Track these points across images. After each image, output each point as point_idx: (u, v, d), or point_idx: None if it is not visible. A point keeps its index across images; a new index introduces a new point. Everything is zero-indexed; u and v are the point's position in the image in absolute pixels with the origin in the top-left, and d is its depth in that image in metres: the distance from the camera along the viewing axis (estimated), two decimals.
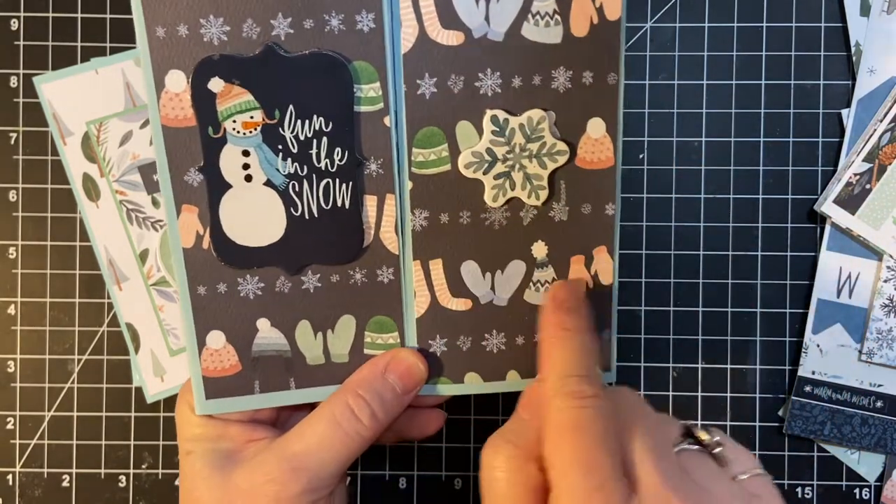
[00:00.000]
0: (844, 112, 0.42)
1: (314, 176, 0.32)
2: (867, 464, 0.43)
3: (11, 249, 0.43)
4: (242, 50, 0.31)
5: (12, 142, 0.43)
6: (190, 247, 0.33)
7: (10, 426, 0.43)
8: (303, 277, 0.33)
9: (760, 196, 0.43)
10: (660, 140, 0.43)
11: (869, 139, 0.41)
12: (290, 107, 0.32)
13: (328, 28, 0.31)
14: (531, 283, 0.34)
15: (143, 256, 0.41)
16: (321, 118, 0.32)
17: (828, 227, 0.42)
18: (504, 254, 0.34)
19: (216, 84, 0.31)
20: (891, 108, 0.41)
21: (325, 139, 0.32)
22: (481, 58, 0.32)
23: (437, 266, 0.34)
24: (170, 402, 0.43)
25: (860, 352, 0.42)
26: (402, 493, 0.43)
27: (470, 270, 0.34)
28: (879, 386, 0.42)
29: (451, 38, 0.32)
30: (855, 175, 0.41)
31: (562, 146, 0.33)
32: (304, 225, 0.33)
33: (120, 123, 0.41)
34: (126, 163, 0.41)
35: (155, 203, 0.41)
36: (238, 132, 0.32)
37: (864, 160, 0.41)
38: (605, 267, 0.35)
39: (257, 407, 0.34)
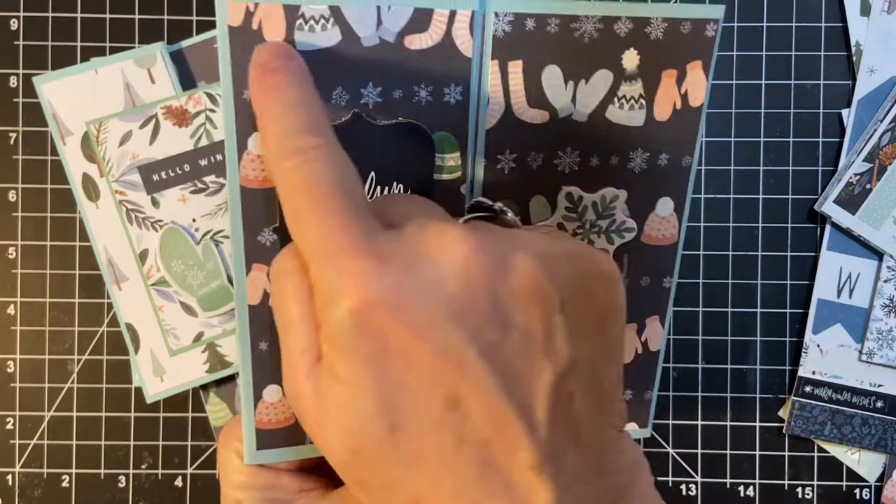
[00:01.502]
0: (844, 112, 0.42)
1: None
2: (867, 464, 0.43)
3: (11, 249, 0.43)
4: (330, 116, 0.30)
5: (12, 142, 0.43)
6: (256, 304, 0.32)
7: (9, 426, 0.43)
8: None
9: (760, 196, 0.43)
10: None
11: (869, 139, 0.41)
12: (372, 173, 0.32)
13: (416, 99, 0.31)
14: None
15: (142, 256, 0.41)
16: (401, 185, 0.32)
17: (828, 227, 0.42)
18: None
19: None
20: (891, 108, 0.41)
21: None
22: (562, 136, 0.32)
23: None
24: (170, 403, 0.43)
25: (860, 352, 0.42)
26: None
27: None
28: (880, 386, 0.42)
29: (537, 116, 0.32)
30: (855, 175, 0.41)
31: (630, 223, 0.33)
32: None
33: (120, 123, 0.41)
34: (126, 163, 0.41)
35: (155, 203, 0.41)
36: None
37: (864, 160, 0.41)
38: (656, 335, 0.35)
39: (307, 456, 0.34)
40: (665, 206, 0.34)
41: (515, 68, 0.32)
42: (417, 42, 0.31)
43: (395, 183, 0.32)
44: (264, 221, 0.32)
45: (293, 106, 0.26)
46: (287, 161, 0.24)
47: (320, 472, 0.35)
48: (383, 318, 0.21)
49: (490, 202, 0.28)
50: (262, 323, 0.32)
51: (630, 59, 0.32)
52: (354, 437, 0.22)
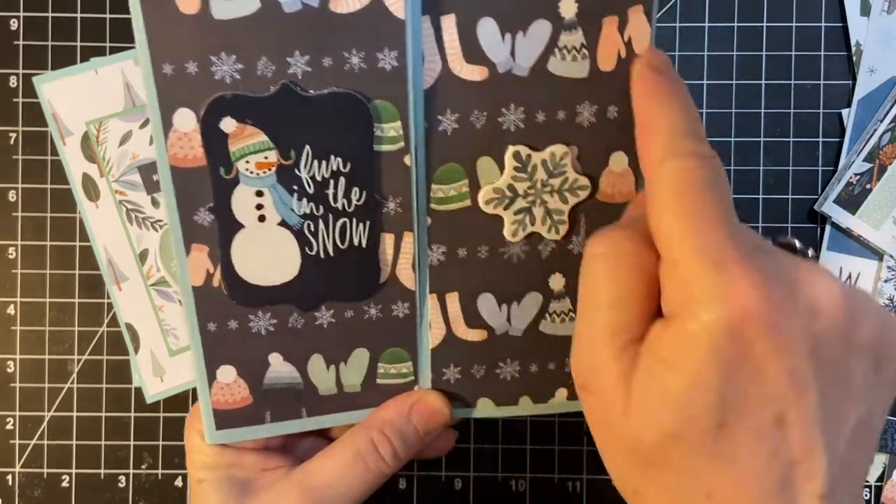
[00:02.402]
0: (844, 112, 0.42)
1: (330, 216, 0.31)
2: None
3: (11, 249, 0.43)
4: (256, 89, 0.29)
5: (12, 142, 0.43)
6: (200, 285, 0.32)
7: (9, 426, 0.43)
8: (316, 313, 0.33)
9: (760, 196, 0.43)
10: None
11: (869, 139, 0.41)
12: (307, 147, 0.30)
13: (348, 66, 0.30)
14: (547, 314, 0.34)
15: (142, 256, 0.41)
16: (339, 158, 0.31)
17: (828, 228, 0.42)
18: (521, 286, 0.33)
19: (228, 124, 0.30)
20: (891, 108, 0.41)
21: (342, 179, 0.31)
22: (505, 93, 0.31)
23: (453, 299, 0.33)
24: (170, 403, 0.43)
25: None
26: (402, 493, 0.43)
27: (486, 302, 0.33)
28: None
29: (475, 73, 0.31)
30: (855, 175, 0.41)
31: (584, 181, 0.32)
32: (318, 264, 0.32)
33: (120, 123, 0.41)
34: (126, 163, 0.41)
35: (155, 203, 0.41)
36: (251, 173, 0.30)
37: (864, 160, 0.41)
38: None
39: (268, 435, 0.34)
40: (619, 161, 0.32)
41: (449, 23, 0.30)
42: (344, 5, 0.29)
43: (332, 156, 0.30)
44: (198, 200, 0.31)
45: (689, 111, 0.27)
46: (680, 161, 0.25)
47: (284, 452, 0.35)
48: (758, 329, 0.23)
49: (794, 242, 0.28)
50: (208, 304, 0.32)
51: (567, 7, 0.30)
52: (681, 423, 0.23)
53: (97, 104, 0.41)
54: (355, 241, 0.32)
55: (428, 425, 0.33)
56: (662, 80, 0.28)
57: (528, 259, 0.33)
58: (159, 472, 0.43)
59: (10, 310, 0.43)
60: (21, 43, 0.43)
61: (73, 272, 0.43)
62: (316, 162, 0.31)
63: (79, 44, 0.43)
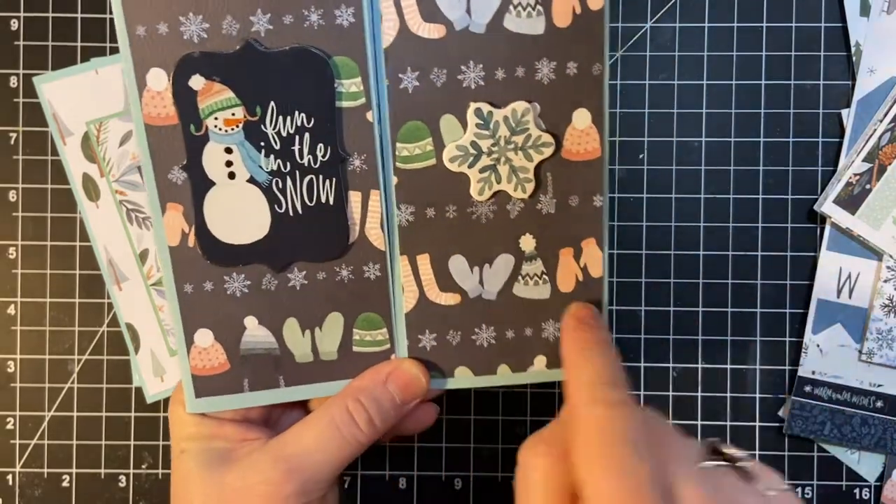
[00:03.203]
0: (844, 112, 0.42)
1: (297, 172, 0.32)
2: (867, 464, 0.43)
3: (11, 249, 0.43)
4: (222, 47, 0.31)
5: (12, 142, 0.43)
6: (176, 245, 0.33)
7: (10, 426, 0.43)
8: (289, 275, 0.33)
9: (760, 196, 0.43)
10: (660, 140, 0.43)
11: (869, 139, 0.41)
12: (272, 103, 0.31)
13: (307, 23, 0.31)
14: (520, 277, 0.34)
15: (142, 256, 0.41)
16: (303, 114, 0.32)
17: (828, 227, 0.42)
18: (492, 247, 0.34)
19: (197, 81, 0.31)
20: (891, 108, 0.41)
21: (307, 135, 0.32)
22: (464, 50, 0.32)
23: (424, 261, 0.34)
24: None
25: (860, 352, 0.42)
26: (402, 493, 0.43)
27: (457, 264, 0.34)
28: (879, 386, 0.42)
29: (433, 31, 0.32)
30: (855, 175, 0.41)
31: (547, 138, 0.33)
32: (288, 222, 0.33)
33: (120, 123, 0.41)
34: (126, 163, 0.41)
35: None
36: (220, 129, 0.32)
37: (864, 160, 0.41)
38: (595, 259, 0.34)
39: (247, 405, 0.34)
40: (582, 117, 0.33)
41: None
42: None
43: (296, 112, 0.32)
44: (172, 159, 0.32)
45: (606, 363, 0.29)
46: (591, 408, 0.28)
47: (267, 425, 0.36)
48: None
49: (727, 451, 0.29)
50: (185, 264, 0.33)
51: None
52: None
53: (97, 104, 0.41)
54: (322, 199, 0.33)
55: (405, 394, 0.34)
56: (586, 335, 0.31)
57: (497, 219, 0.33)
58: (159, 471, 0.43)
59: (11, 310, 0.43)
60: (21, 43, 0.43)
61: (74, 272, 0.43)
62: (281, 118, 0.32)
63: (79, 44, 0.43)
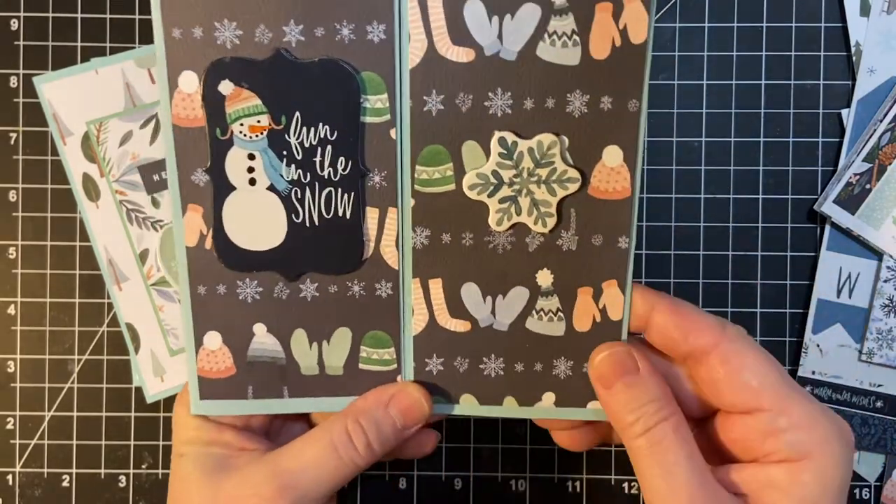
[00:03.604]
0: (844, 112, 0.42)
1: (317, 184, 0.32)
2: (867, 464, 0.43)
3: (11, 249, 0.43)
4: (253, 54, 0.31)
5: (12, 142, 0.43)
6: (193, 246, 0.33)
7: (10, 426, 0.43)
8: (301, 285, 0.33)
9: (760, 196, 0.43)
10: (660, 140, 0.43)
11: (869, 139, 0.41)
12: (297, 113, 0.32)
13: (339, 37, 0.31)
14: (534, 311, 0.33)
15: (143, 256, 0.41)
16: (326, 126, 0.32)
17: (828, 227, 0.42)
18: (507, 279, 0.33)
19: (226, 87, 0.31)
20: (891, 108, 0.41)
21: (329, 148, 0.32)
22: (492, 77, 0.31)
23: (436, 285, 0.33)
24: (170, 402, 0.43)
25: (860, 352, 0.42)
26: (402, 493, 0.43)
27: (470, 292, 0.33)
28: (879, 386, 0.42)
29: (462, 54, 0.31)
30: (855, 175, 0.41)
31: (573, 173, 0.31)
32: (304, 232, 0.33)
33: (120, 123, 0.41)
34: (126, 163, 0.41)
35: (155, 203, 0.41)
36: (245, 135, 0.32)
37: (864, 160, 0.41)
38: (615, 301, 0.33)
39: (250, 412, 0.34)
40: (613, 155, 0.31)
41: (435, 3, 0.31)
42: None
43: (321, 124, 0.32)
44: (197, 161, 0.32)
45: (643, 398, 0.31)
46: (639, 440, 0.30)
47: (268, 436, 0.36)
48: None
49: None
50: (200, 266, 0.33)
51: None
52: None
53: (97, 104, 0.41)
54: (340, 212, 0.33)
55: (406, 418, 0.33)
56: (603, 394, 0.32)
57: (515, 251, 0.33)
58: (159, 471, 0.43)
59: (11, 310, 0.43)
60: (21, 43, 0.43)
61: (74, 272, 0.43)
62: (305, 128, 0.32)
63: (79, 44, 0.43)
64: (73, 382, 0.43)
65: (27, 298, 0.43)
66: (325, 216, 0.33)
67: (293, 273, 0.33)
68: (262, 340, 0.34)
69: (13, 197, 0.43)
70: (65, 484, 0.43)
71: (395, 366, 0.34)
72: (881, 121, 0.41)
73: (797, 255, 0.43)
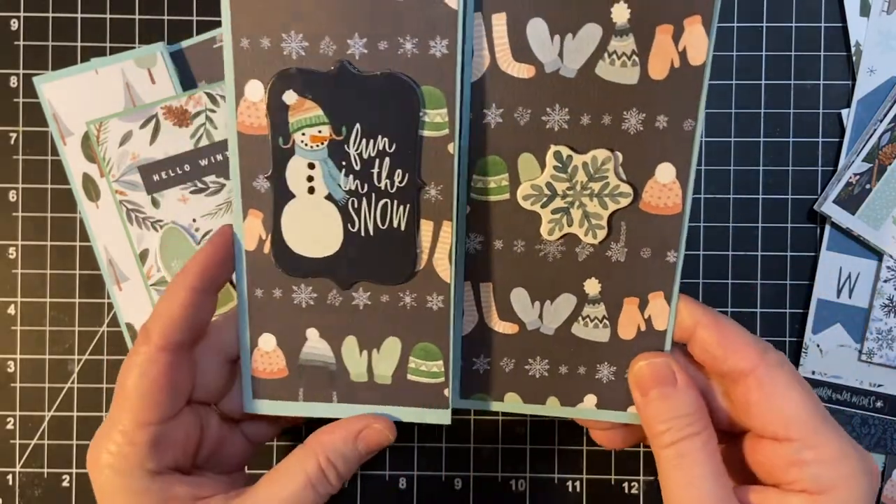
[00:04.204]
0: (844, 112, 0.42)
1: (374, 195, 0.33)
2: None
3: (11, 249, 0.43)
4: (318, 65, 0.32)
5: (12, 142, 0.43)
6: (252, 250, 0.33)
7: (10, 426, 0.43)
8: (354, 293, 0.34)
9: (760, 196, 0.43)
10: None
11: (869, 139, 0.41)
12: (357, 125, 0.32)
13: (401, 51, 0.31)
14: (580, 317, 0.34)
15: (142, 256, 0.41)
16: (385, 139, 0.32)
17: (828, 227, 0.42)
18: (555, 285, 0.34)
19: (290, 97, 0.32)
20: (891, 108, 0.41)
21: (387, 160, 0.32)
22: (551, 93, 0.32)
23: (487, 289, 0.34)
24: None
25: (860, 352, 0.42)
26: (402, 493, 0.43)
27: (519, 297, 0.34)
28: (879, 386, 0.42)
29: (523, 70, 0.32)
30: (855, 175, 0.41)
31: (625, 188, 0.32)
32: (359, 241, 0.33)
33: (120, 123, 0.41)
34: (126, 163, 0.41)
35: (155, 203, 0.41)
36: (306, 145, 0.32)
37: (864, 160, 0.41)
38: (660, 312, 0.34)
39: (300, 414, 0.35)
40: (666, 172, 0.32)
41: (499, 20, 0.31)
42: None
43: (380, 136, 0.32)
44: (259, 168, 0.33)
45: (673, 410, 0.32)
46: (667, 450, 0.31)
47: (214, 472, 0.35)
48: None
49: None
50: (259, 269, 0.33)
51: (620, 13, 0.31)
52: None
53: (97, 104, 0.41)
54: (395, 223, 0.33)
55: (370, 448, 0.34)
56: (642, 403, 0.33)
57: (565, 259, 0.33)
58: None
59: (11, 310, 0.43)
60: (21, 43, 0.43)
61: (74, 272, 0.43)
62: (364, 140, 0.32)
63: (79, 44, 0.43)
64: (73, 382, 0.43)
65: (27, 298, 0.43)
66: (381, 227, 0.33)
67: (347, 281, 0.34)
68: (315, 345, 0.34)
69: (13, 197, 0.43)
70: (65, 484, 0.43)
71: (442, 378, 0.34)
72: (881, 121, 0.41)
73: (797, 255, 0.43)
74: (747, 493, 0.31)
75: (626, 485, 0.43)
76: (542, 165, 0.32)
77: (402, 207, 0.33)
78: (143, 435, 0.31)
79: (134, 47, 0.42)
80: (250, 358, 0.34)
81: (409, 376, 0.34)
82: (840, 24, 0.42)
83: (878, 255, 0.42)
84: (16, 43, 0.43)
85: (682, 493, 0.30)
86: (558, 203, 0.33)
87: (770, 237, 0.43)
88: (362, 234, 0.33)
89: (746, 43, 0.43)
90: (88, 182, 0.41)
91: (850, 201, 0.42)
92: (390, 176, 0.33)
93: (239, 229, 0.33)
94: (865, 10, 0.42)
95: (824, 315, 0.42)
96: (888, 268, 0.42)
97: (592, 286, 0.34)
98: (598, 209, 0.33)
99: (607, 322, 0.34)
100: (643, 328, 0.34)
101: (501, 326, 0.34)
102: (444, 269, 0.33)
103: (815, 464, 0.29)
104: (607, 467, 0.43)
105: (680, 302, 0.33)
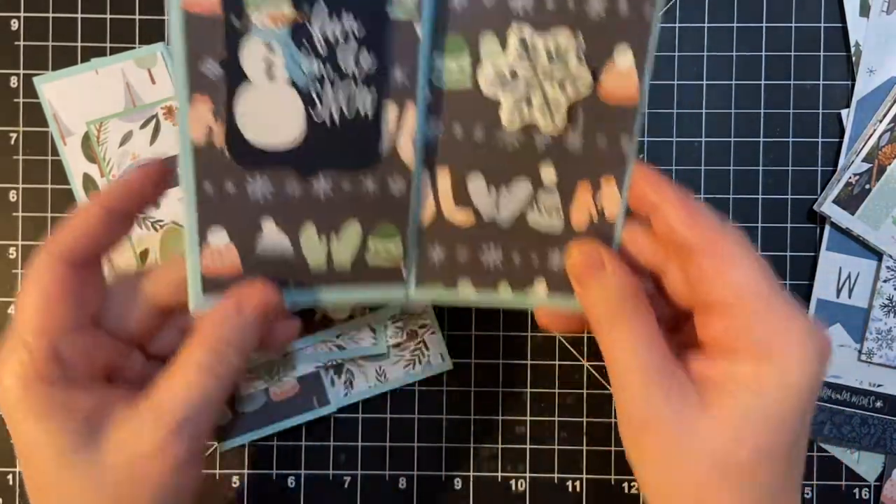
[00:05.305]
0: (844, 112, 0.42)
1: (338, 79, 0.31)
2: (867, 464, 0.43)
3: (11, 249, 0.43)
4: None
5: (12, 142, 0.43)
6: (200, 142, 0.31)
7: None
8: (314, 182, 0.32)
9: (760, 196, 0.43)
10: (660, 140, 0.43)
11: (869, 139, 0.41)
12: (322, 2, 0.30)
13: None
14: (534, 206, 0.34)
15: (143, 256, 0.41)
16: (353, 19, 0.30)
17: (828, 227, 0.42)
18: (512, 171, 0.34)
19: None
20: (891, 108, 0.41)
21: (353, 42, 0.31)
22: None
23: (444, 175, 0.34)
24: None
25: (860, 352, 0.42)
26: (403, 492, 0.43)
27: (476, 183, 0.34)
28: (879, 386, 0.42)
29: None
30: (855, 175, 0.42)
31: (585, 74, 0.32)
32: (322, 128, 0.32)
33: (120, 123, 0.41)
34: (126, 163, 0.41)
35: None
36: (264, 25, 0.30)
37: (863, 160, 0.41)
38: (612, 200, 0.34)
39: None
40: (624, 57, 0.32)
41: None
42: None
43: (346, 16, 0.30)
44: (209, 52, 0.30)
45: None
46: (604, 334, 0.31)
47: (112, 382, 0.33)
48: None
49: None
50: (207, 161, 0.31)
51: None
52: None
53: (97, 104, 0.41)
54: (360, 109, 0.32)
55: (256, 309, 0.32)
56: (589, 279, 0.33)
57: (523, 147, 0.33)
58: None
59: (11, 309, 0.43)
60: (21, 43, 0.43)
61: None
62: (329, 20, 0.30)
63: (79, 44, 0.43)
64: None
65: None
66: (345, 112, 0.32)
67: (308, 170, 0.32)
68: (272, 238, 0.33)
69: (13, 197, 0.43)
70: None
71: (400, 257, 0.34)
72: (881, 121, 0.41)
73: (797, 255, 0.43)
74: (691, 362, 0.30)
75: (626, 485, 0.43)
76: (505, 46, 0.32)
77: (367, 92, 0.31)
78: (39, 342, 0.30)
79: (134, 47, 0.42)
80: (199, 255, 0.32)
81: (368, 260, 0.34)
82: (840, 25, 0.43)
83: (877, 255, 0.42)
84: (16, 43, 0.43)
85: (620, 367, 0.30)
86: (520, 89, 0.33)
87: (770, 237, 0.43)
88: (326, 121, 0.31)
89: (746, 43, 0.43)
90: (89, 182, 0.41)
91: (850, 201, 0.42)
92: (357, 60, 0.31)
93: (183, 117, 0.30)
94: (865, 10, 0.42)
95: (824, 315, 0.42)
96: (888, 268, 0.42)
97: (548, 174, 0.34)
98: (559, 95, 0.33)
99: (561, 212, 0.34)
100: (595, 220, 0.34)
101: (457, 215, 0.34)
102: (408, 154, 0.33)
103: (764, 330, 0.29)
104: (607, 467, 0.43)
105: (644, 176, 0.33)
